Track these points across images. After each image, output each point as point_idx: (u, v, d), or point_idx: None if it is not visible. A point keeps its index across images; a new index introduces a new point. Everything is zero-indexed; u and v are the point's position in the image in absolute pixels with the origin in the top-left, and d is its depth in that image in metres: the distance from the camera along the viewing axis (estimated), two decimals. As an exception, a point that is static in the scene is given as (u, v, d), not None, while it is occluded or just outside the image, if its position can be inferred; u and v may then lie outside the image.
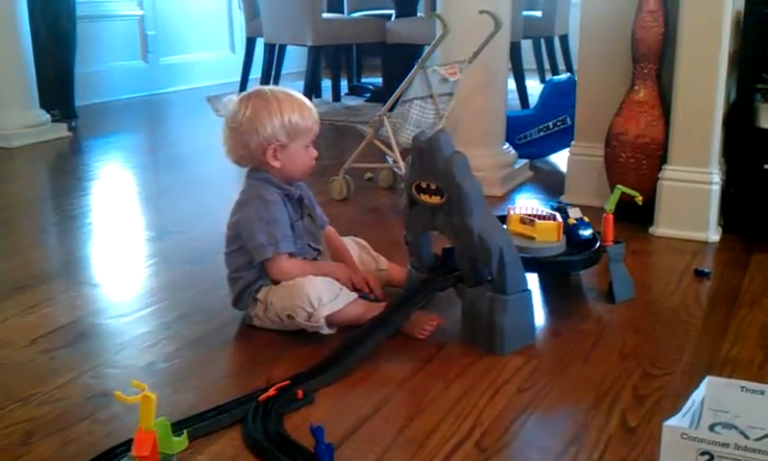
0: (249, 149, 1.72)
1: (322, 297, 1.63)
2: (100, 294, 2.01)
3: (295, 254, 1.73)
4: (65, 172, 3.52)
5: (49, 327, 1.76)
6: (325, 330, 1.64)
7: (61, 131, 4.03)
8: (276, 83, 4.86)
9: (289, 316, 1.65)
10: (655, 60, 2.39)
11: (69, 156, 3.81)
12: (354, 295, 1.70)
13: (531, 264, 1.75)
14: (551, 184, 2.95)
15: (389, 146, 2.67)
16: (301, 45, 4.58)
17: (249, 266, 1.72)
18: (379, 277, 1.88)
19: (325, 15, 4.65)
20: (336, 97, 5.21)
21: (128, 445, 1.18)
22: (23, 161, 3.59)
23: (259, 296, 1.71)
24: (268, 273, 1.71)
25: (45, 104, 4.04)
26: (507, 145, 2.99)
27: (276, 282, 1.70)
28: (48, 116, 4.02)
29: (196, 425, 1.31)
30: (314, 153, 1.78)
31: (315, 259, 1.80)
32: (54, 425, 1.36)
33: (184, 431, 1.21)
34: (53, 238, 2.57)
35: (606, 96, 2.55)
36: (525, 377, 1.52)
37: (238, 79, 5.08)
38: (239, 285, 1.74)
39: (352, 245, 1.92)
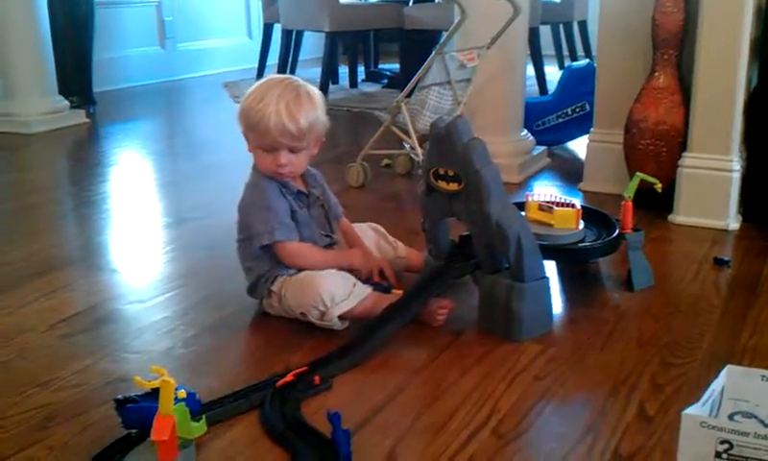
0: None
1: (335, 296, 1.61)
2: (118, 279, 2.02)
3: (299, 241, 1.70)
4: (83, 158, 3.54)
5: (68, 313, 1.77)
6: (338, 326, 1.63)
7: (80, 117, 4.05)
8: (293, 69, 4.87)
9: (302, 313, 1.64)
10: (675, 46, 2.37)
11: (87, 142, 3.83)
12: (368, 290, 1.67)
13: (549, 251, 1.74)
14: (569, 171, 2.93)
15: (406, 132, 2.66)
16: (319, 31, 4.58)
17: (259, 256, 1.70)
18: (397, 263, 1.87)
19: (343, 1, 4.64)
20: (353, 83, 5.21)
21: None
22: (41, 148, 3.62)
23: (274, 288, 1.69)
24: (280, 260, 1.69)
25: (63, 90, 4.06)
26: (525, 131, 2.97)
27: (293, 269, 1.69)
28: (66, 103, 4.04)
29: (214, 411, 1.32)
30: (279, 159, 1.65)
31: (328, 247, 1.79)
32: (73, 410, 1.37)
33: (203, 416, 1.21)
34: (71, 224, 2.59)
35: (625, 82, 2.53)
36: (542, 365, 1.51)
37: (255, 65, 5.09)
38: (253, 275, 1.73)
39: (369, 232, 1.91)
